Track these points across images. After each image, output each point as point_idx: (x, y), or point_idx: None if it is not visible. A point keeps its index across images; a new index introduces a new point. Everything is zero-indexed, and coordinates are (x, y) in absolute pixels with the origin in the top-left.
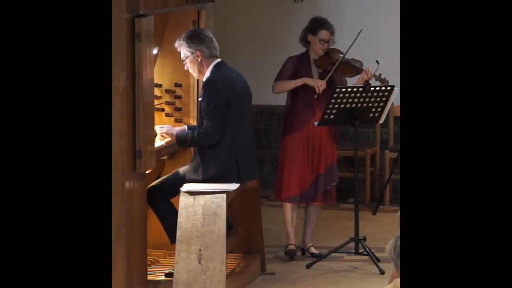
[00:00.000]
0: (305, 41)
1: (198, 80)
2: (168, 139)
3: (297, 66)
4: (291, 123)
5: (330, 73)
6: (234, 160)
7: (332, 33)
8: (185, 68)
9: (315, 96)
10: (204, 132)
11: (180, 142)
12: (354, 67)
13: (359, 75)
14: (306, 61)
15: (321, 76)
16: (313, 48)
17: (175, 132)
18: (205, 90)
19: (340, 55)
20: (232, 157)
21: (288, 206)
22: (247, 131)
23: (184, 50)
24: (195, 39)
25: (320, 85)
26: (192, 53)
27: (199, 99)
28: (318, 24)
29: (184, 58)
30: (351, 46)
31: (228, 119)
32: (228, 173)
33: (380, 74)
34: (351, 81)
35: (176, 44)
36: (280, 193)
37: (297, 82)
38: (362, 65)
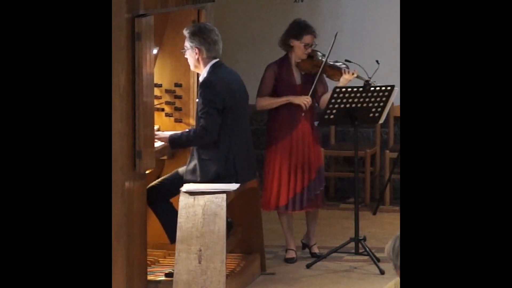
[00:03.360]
0: (286, 46)
1: (198, 80)
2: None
3: (278, 73)
4: (274, 133)
5: (314, 84)
6: (232, 161)
7: (315, 36)
8: (185, 56)
9: (303, 114)
10: (201, 130)
11: (173, 143)
12: (339, 69)
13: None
14: (287, 65)
15: (304, 78)
16: (296, 53)
17: (167, 135)
18: (202, 90)
19: (323, 58)
20: (230, 158)
21: (282, 214)
22: (244, 132)
23: (186, 41)
24: (198, 37)
25: (306, 102)
26: (192, 48)
27: (197, 100)
28: (301, 29)
29: (184, 48)
30: (330, 49)
31: (224, 120)
32: (226, 174)
33: (369, 80)
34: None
35: (184, 31)
36: (268, 204)
37: (282, 101)
38: (347, 67)
